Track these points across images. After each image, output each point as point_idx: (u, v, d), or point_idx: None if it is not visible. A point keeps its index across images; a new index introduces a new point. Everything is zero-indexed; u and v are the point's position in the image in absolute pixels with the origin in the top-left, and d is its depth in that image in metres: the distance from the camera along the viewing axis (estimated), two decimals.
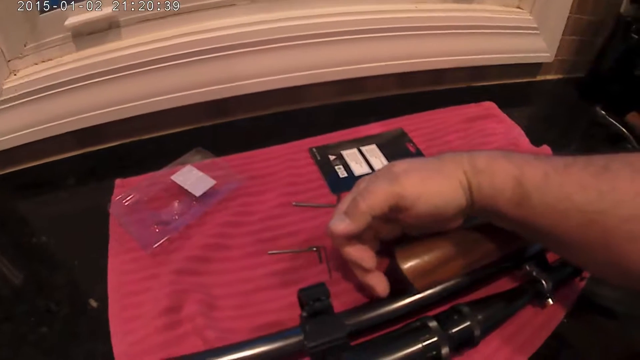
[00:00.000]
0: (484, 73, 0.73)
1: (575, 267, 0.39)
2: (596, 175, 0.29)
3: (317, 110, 0.65)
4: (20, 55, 0.52)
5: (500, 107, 0.65)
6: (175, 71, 0.55)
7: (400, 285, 0.36)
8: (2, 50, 0.51)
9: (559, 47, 0.72)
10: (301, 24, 0.58)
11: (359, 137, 0.58)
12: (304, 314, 0.32)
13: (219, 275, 0.41)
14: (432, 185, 0.34)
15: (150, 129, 0.60)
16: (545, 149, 0.56)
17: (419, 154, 0.56)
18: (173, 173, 0.50)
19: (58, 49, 0.53)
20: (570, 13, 0.69)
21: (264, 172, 0.52)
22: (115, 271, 0.41)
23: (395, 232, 0.38)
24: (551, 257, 0.39)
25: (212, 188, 0.48)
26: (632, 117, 0.62)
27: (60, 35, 0.53)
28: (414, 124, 0.61)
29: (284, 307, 0.38)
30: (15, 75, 0.52)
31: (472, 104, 0.66)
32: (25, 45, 0.52)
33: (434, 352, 0.31)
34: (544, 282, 0.36)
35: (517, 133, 0.60)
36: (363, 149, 0.56)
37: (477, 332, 0.33)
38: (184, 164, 0.51)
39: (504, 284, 0.40)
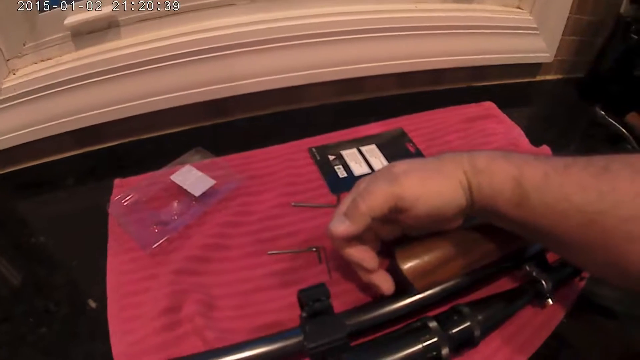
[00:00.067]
0: (484, 73, 0.73)
1: (575, 267, 0.39)
2: (596, 176, 0.29)
3: (316, 110, 0.65)
4: (19, 55, 0.52)
5: (500, 107, 0.65)
6: (175, 71, 0.55)
7: (400, 285, 0.36)
8: (1, 50, 0.50)
9: (558, 47, 0.72)
10: (300, 24, 0.58)
11: (358, 137, 0.58)
12: (304, 314, 0.32)
13: (218, 276, 0.41)
14: (431, 186, 0.34)
15: (149, 129, 0.60)
16: (545, 149, 0.56)
17: (418, 154, 0.56)
18: (172, 173, 0.50)
19: (57, 48, 0.53)
20: (570, 13, 0.69)
21: (263, 172, 0.52)
22: (114, 271, 0.41)
23: (395, 233, 0.38)
24: (551, 257, 0.39)
25: (211, 188, 0.48)
26: (631, 118, 0.62)
27: (60, 35, 0.52)
28: (413, 124, 0.61)
29: (284, 308, 0.38)
30: (14, 74, 0.52)
31: (472, 104, 0.66)
32: (24, 45, 0.52)
33: (434, 353, 0.31)
34: (543, 282, 0.36)
35: (517, 133, 0.60)
36: (362, 149, 0.56)
37: (477, 333, 0.33)
38: (183, 163, 0.51)
39: (504, 284, 0.40)
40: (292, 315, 0.36)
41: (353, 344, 0.33)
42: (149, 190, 0.49)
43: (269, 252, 0.43)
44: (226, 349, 0.32)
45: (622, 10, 0.67)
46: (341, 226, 0.34)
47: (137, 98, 0.56)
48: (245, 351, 0.32)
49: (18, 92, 0.51)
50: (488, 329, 0.35)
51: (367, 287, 0.38)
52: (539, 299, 0.37)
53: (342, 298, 0.38)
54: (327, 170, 0.53)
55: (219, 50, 0.56)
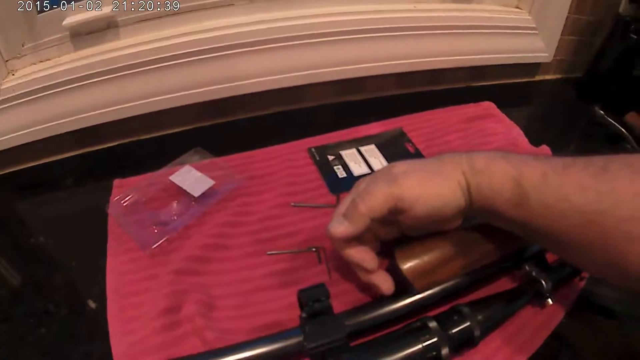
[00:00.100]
0: (483, 73, 0.73)
1: (574, 267, 0.39)
2: (595, 176, 0.29)
3: (316, 110, 0.65)
4: (18, 55, 0.52)
5: (499, 107, 0.65)
6: (174, 71, 0.55)
7: (400, 285, 0.36)
8: (0, 51, 0.50)
9: (557, 47, 0.72)
10: (300, 24, 0.58)
11: (358, 137, 0.58)
12: (304, 314, 0.32)
13: (218, 276, 0.41)
14: (430, 186, 0.34)
15: (148, 129, 0.60)
16: (544, 148, 0.56)
17: (418, 154, 0.56)
18: (172, 173, 0.50)
19: (56, 48, 0.53)
20: (568, 13, 0.69)
21: (263, 172, 0.52)
22: (114, 272, 0.41)
23: (394, 234, 0.38)
24: (551, 257, 0.39)
25: (211, 188, 0.48)
26: (630, 117, 0.62)
27: (59, 35, 0.52)
28: (413, 124, 0.61)
29: (284, 308, 0.38)
30: (13, 75, 0.52)
31: (471, 104, 0.66)
32: (23, 45, 0.52)
33: (434, 353, 0.31)
34: (543, 282, 0.36)
35: (516, 133, 0.60)
36: (362, 149, 0.56)
37: (477, 333, 0.33)
38: (182, 164, 0.51)
39: (503, 284, 0.40)
40: (291, 315, 0.36)
41: (353, 344, 0.33)
42: (149, 191, 0.49)
43: (269, 252, 0.43)
44: (226, 349, 0.32)
45: (621, 9, 0.67)
46: (340, 227, 0.34)
47: (136, 98, 0.56)
48: (245, 351, 0.32)
49: (17, 93, 0.51)
50: (488, 329, 0.35)
51: (367, 287, 0.38)
52: (538, 298, 0.37)
53: (342, 298, 0.38)
54: (326, 170, 0.53)
55: (218, 50, 0.56)
